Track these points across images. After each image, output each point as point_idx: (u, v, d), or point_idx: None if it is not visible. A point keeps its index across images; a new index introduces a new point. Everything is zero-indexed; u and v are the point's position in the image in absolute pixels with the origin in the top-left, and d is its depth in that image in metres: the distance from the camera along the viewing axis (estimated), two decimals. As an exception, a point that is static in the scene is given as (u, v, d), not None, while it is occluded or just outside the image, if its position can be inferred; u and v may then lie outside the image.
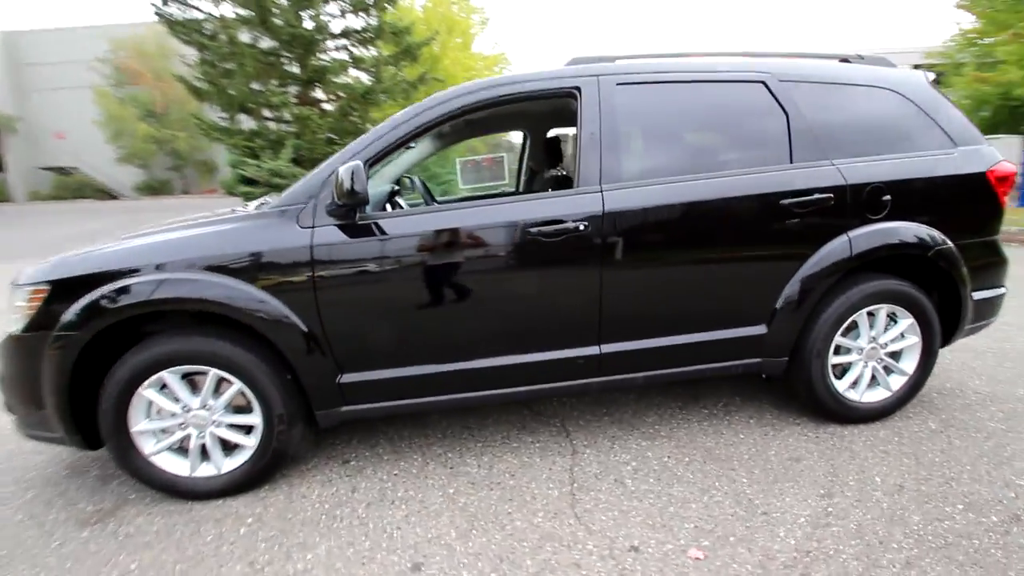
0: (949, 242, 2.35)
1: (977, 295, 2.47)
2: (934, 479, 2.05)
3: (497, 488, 2.05)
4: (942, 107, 2.48)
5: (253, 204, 2.38)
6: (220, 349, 1.91)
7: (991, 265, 2.51)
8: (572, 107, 2.40)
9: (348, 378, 2.02)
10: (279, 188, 11.15)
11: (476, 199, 3.80)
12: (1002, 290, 2.57)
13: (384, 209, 2.46)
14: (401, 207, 2.75)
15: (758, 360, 2.32)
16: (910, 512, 1.86)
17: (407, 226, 1.99)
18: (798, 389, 2.43)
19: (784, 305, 2.24)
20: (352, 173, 1.80)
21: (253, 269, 1.89)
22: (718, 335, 2.24)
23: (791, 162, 2.24)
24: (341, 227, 1.94)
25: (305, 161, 12.62)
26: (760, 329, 2.27)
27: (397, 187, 2.84)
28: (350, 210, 1.92)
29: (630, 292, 2.12)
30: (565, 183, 3.25)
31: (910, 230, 2.30)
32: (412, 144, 2.43)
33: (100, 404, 1.91)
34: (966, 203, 2.43)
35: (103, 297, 1.86)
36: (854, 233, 2.25)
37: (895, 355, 2.47)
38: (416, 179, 2.90)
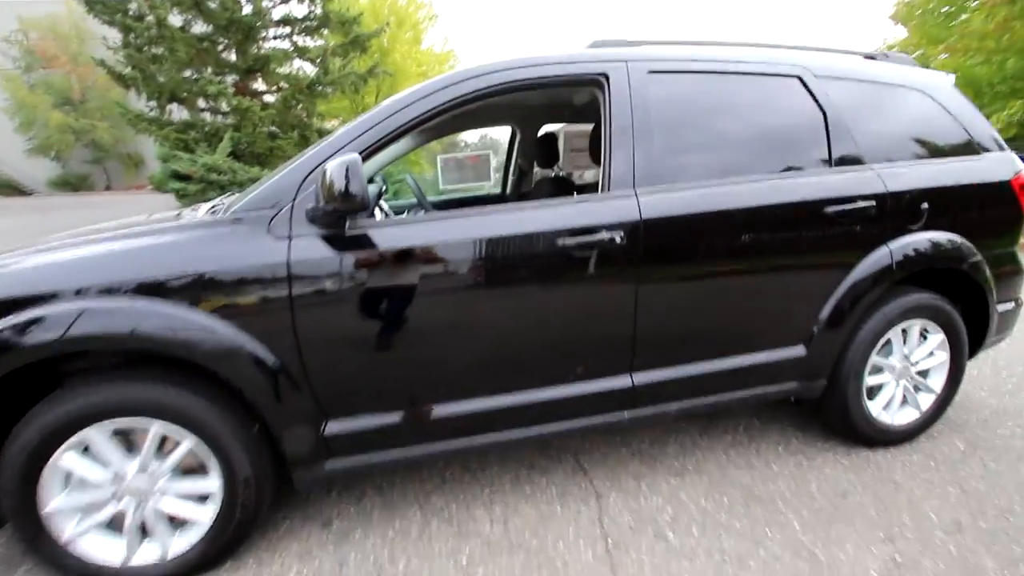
0: (978, 253, 2.22)
1: (1000, 307, 2.37)
2: (988, 512, 1.89)
3: (520, 551, 1.71)
4: (968, 111, 2.35)
5: (205, 207, 1.92)
6: (165, 396, 1.47)
7: (1012, 275, 2.41)
8: (592, 97, 2.10)
9: (336, 426, 1.62)
10: (216, 184, 10.35)
11: (471, 202, 3.47)
12: (1017, 303, 2.48)
13: (372, 215, 2.06)
14: (385, 212, 2.36)
15: (795, 384, 2.10)
16: (980, 556, 1.68)
17: (408, 238, 1.61)
18: (831, 413, 2.24)
19: (825, 323, 2.03)
20: (347, 170, 1.41)
21: (209, 292, 1.46)
22: (757, 358, 1.99)
23: (831, 165, 2.04)
24: (327, 239, 1.54)
25: (245, 155, 11.72)
26: (799, 350, 2.05)
27: (383, 187, 2.44)
28: (340, 217, 1.53)
29: (667, 312, 1.84)
30: (562, 185, 2.96)
31: (948, 240, 2.15)
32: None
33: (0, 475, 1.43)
34: (993, 212, 2.30)
35: (1, 332, 1.38)
36: (894, 244, 2.06)
37: (923, 373, 2.33)
38: (409, 177, 2.49)
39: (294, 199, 1.55)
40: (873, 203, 2.01)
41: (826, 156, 2.04)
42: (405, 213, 3.06)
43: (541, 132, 3.09)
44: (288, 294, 1.49)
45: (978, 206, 2.27)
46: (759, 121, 2.02)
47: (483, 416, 1.73)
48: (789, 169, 1.99)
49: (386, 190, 2.63)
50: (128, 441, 1.52)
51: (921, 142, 2.23)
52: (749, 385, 2.02)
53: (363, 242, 1.56)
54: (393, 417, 1.66)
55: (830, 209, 1.95)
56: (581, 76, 1.84)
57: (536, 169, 3.30)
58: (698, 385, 1.94)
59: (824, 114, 2.05)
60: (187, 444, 1.51)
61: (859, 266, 2.03)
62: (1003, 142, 2.40)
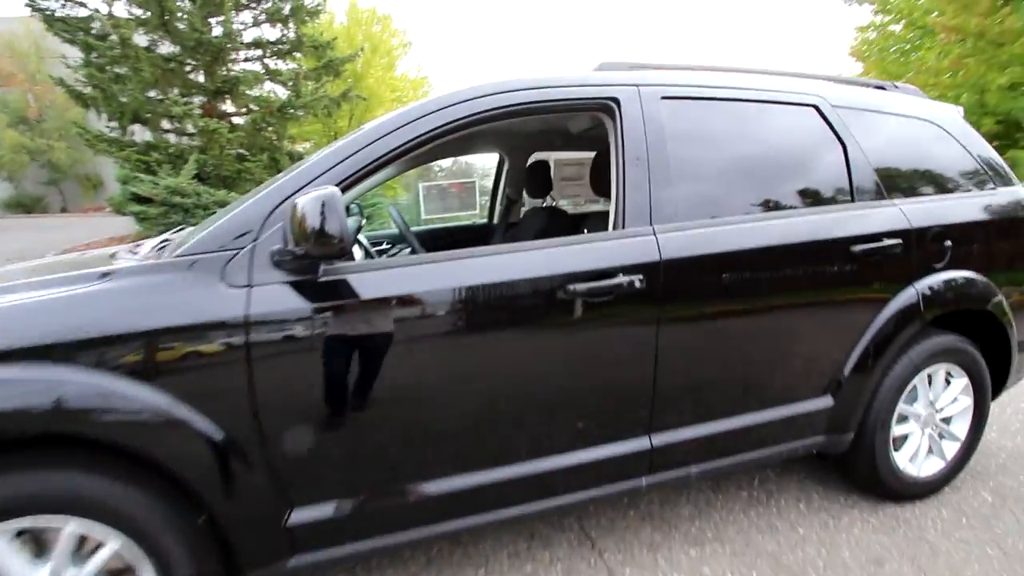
0: (998, 292, 2.11)
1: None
2: (1037, 580, 1.71)
3: (526, 654, 1.45)
4: (980, 144, 2.27)
5: (149, 245, 1.63)
6: (83, 486, 1.16)
7: (1027, 313, 2.30)
8: (592, 124, 1.93)
9: (303, 515, 1.33)
10: (179, 207, 9.90)
11: (457, 233, 3.24)
12: None
13: (350, 255, 1.81)
14: (365, 248, 2.10)
15: (822, 438, 1.91)
16: (1046, 640, 1.49)
17: (396, 285, 1.37)
18: (858, 468, 2.05)
19: (853, 370, 1.86)
20: (323, 206, 1.17)
21: (145, 357, 1.17)
22: (784, 411, 1.80)
23: (852, 200, 1.90)
24: (296, 286, 1.29)
25: (211, 178, 11.29)
26: (826, 401, 1.87)
27: (362, 220, 2.18)
28: (312, 262, 1.28)
29: (690, 363, 1.64)
30: (555, 216, 2.77)
31: (973, 279, 2.02)
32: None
33: None
34: (1011, 248, 2.20)
35: None
36: (921, 284, 1.92)
37: (946, 420, 2.18)
38: (393, 211, 2.23)
39: (256, 239, 1.29)
40: (899, 241, 1.86)
41: (847, 189, 1.90)
42: (384, 245, 2.82)
43: (532, 160, 2.91)
44: (246, 357, 1.22)
45: (997, 242, 2.16)
46: (777, 152, 1.87)
47: (484, 492, 1.47)
48: (811, 203, 1.84)
49: (364, 222, 2.39)
50: (37, 541, 1.21)
51: (938, 176, 2.12)
52: (776, 441, 1.82)
53: (341, 291, 1.31)
54: (376, 500, 1.39)
55: (857, 247, 1.79)
56: (589, 100, 1.65)
57: (525, 198, 3.11)
58: (723, 443, 1.73)
59: (843, 145, 1.92)
60: (113, 545, 1.20)
61: (886, 308, 1.88)
62: (1013, 176, 2.32)
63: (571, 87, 1.64)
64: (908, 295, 1.90)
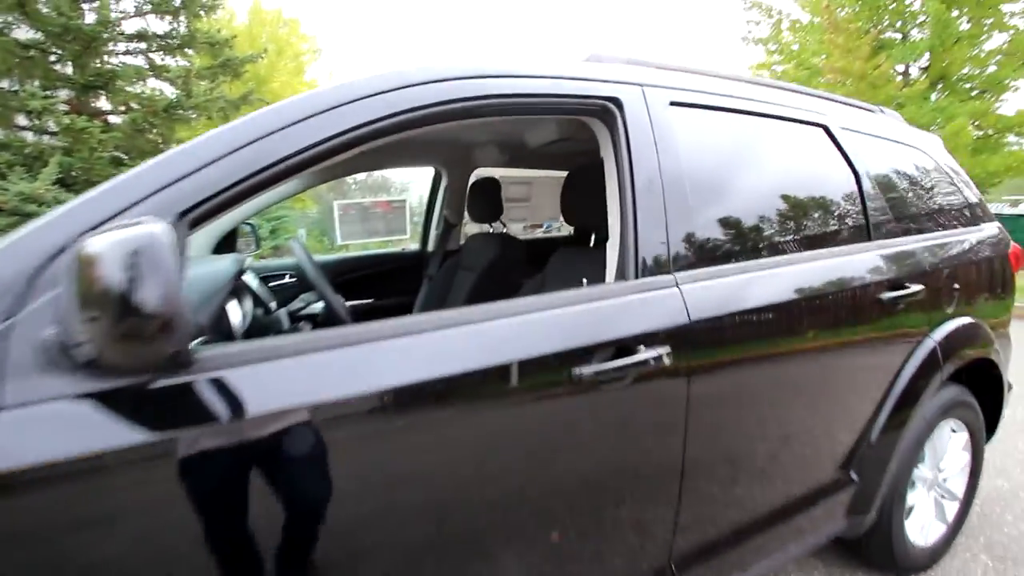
0: (994, 337, 1.94)
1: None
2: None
3: None
4: (963, 175, 2.13)
5: None
6: None
7: (1008, 358, 2.17)
8: (567, 136, 1.52)
9: None
10: (37, 217, 8.37)
11: (383, 264, 2.65)
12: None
13: (226, 327, 1.19)
14: (256, 296, 1.51)
15: (843, 523, 1.59)
16: None
17: (297, 388, 0.80)
18: (871, 548, 1.76)
19: (877, 439, 1.57)
20: (135, 254, 0.62)
21: None
22: (814, 499, 1.46)
23: (869, 238, 1.62)
24: (101, 402, 0.68)
25: (79, 183, 9.67)
26: (851, 477, 1.55)
27: (245, 255, 1.57)
28: (134, 364, 0.70)
29: (724, 462, 1.23)
30: (507, 245, 2.31)
31: (976, 325, 1.83)
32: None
33: None
34: (997, 287, 2.06)
35: None
36: (937, 335, 1.68)
37: (945, 479, 1.97)
38: (296, 245, 1.58)
39: (10, 317, 0.68)
40: (921, 286, 1.61)
41: (864, 225, 1.62)
42: (287, 279, 2.21)
43: (476, 177, 2.43)
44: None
45: (989, 282, 2.01)
46: (794, 178, 1.55)
47: None
48: (832, 241, 1.53)
49: (251, 257, 1.78)
50: None
51: (935, 210, 1.93)
52: (802, 535, 1.47)
53: (202, 409, 0.74)
54: None
55: (886, 295, 1.51)
56: (581, 100, 1.20)
57: (469, 223, 2.62)
58: (751, 549, 1.34)
59: (855, 172, 1.65)
60: None
61: (908, 365, 1.61)
62: (988, 209, 2.20)
63: (559, 79, 1.18)
64: (927, 348, 1.65)
